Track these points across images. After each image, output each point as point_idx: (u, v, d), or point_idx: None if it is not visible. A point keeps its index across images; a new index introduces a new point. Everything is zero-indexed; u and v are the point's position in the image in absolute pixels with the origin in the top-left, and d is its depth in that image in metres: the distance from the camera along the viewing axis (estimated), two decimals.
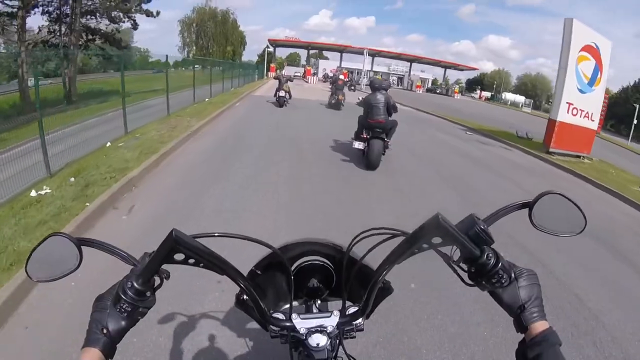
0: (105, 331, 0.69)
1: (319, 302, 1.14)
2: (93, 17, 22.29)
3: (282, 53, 74.69)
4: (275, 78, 17.90)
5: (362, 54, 55.81)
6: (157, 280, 0.77)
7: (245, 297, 0.93)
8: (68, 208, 4.35)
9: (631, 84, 56.95)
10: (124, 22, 23.88)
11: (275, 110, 15.71)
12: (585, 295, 3.81)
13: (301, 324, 0.91)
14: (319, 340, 0.88)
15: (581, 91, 12.31)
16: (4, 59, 14.48)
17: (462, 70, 70.46)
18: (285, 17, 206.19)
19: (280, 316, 0.93)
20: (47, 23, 21.11)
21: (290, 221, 4.76)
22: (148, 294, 0.74)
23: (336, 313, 0.94)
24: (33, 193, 4.76)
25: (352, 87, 35.44)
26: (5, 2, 17.41)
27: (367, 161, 7.28)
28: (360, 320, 0.95)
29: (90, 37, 22.43)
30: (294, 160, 7.80)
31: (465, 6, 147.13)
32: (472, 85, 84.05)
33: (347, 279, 0.95)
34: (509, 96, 70.20)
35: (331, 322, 0.92)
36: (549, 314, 0.77)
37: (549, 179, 9.77)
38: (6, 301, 2.71)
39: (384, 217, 5.23)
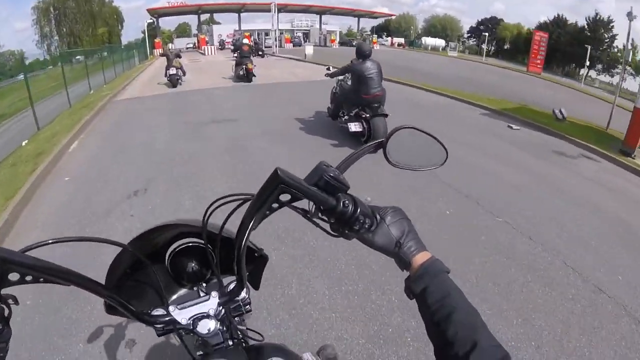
0: None
1: (204, 285, 1.05)
2: None
3: (168, 25, 63.65)
4: (162, 55, 16.19)
5: (265, 11, 47.66)
6: (6, 310, 0.65)
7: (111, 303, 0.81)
8: None
9: None
10: None
11: (168, 99, 11.58)
12: None
13: (181, 314, 0.83)
14: (207, 325, 0.82)
15: None
16: None
17: (377, 18, 64.92)
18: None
19: (160, 312, 0.84)
20: None
21: None
22: (0, 326, 0.63)
23: (214, 294, 0.87)
24: None
25: (260, 53, 29.19)
26: None
27: None
28: (243, 294, 0.91)
29: None
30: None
31: None
32: (379, 32, 78.52)
33: (214, 255, 0.89)
34: (429, 41, 65.76)
35: (211, 304, 0.85)
36: None
37: None
38: None
39: None
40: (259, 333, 0.95)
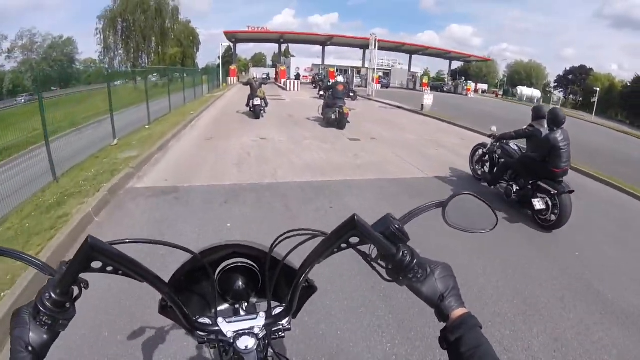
0: (29, 348, 0.66)
1: (245, 304, 1.10)
2: None
3: (243, 53, 60.65)
4: (245, 83, 14.13)
5: (353, 46, 42.27)
6: (76, 291, 0.73)
7: (169, 303, 0.87)
8: None
9: None
10: None
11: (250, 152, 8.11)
12: None
13: (228, 327, 0.90)
14: (247, 342, 0.87)
15: None
16: None
17: (472, 62, 57.90)
18: (246, 18, 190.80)
19: (207, 321, 0.91)
20: None
21: None
22: (67, 305, 0.71)
23: (262, 314, 0.94)
24: None
25: (352, 94, 22.20)
26: None
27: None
28: (286, 320, 0.95)
29: None
30: None
31: None
32: (457, 77, 70.94)
33: (271, 280, 0.95)
34: (525, 91, 57.57)
35: (258, 323, 0.92)
36: None
37: None
38: None
39: None
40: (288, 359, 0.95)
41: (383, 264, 0.78)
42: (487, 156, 6.64)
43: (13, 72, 37.58)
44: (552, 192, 5.15)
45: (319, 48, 44.27)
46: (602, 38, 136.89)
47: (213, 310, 0.98)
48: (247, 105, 13.50)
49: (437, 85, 48.36)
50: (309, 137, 10.28)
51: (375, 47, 26.37)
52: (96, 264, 0.66)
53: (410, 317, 2.94)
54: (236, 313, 1.07)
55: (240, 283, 1.09)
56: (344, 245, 0.73)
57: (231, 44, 42.11)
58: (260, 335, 0.91)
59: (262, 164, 7.23)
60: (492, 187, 6.29)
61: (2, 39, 37.58)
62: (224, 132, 10.45)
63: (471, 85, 48.47)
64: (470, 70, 76.11)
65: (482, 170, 6.87)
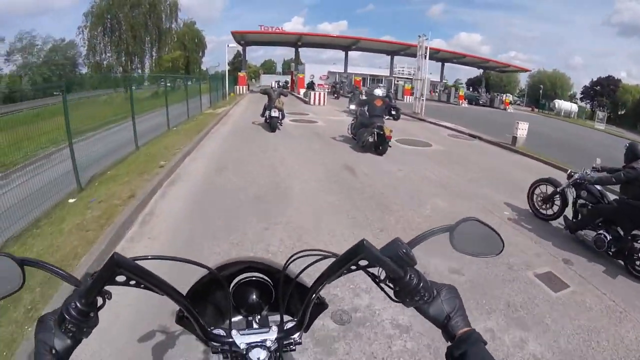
0: (53, 351, 0.70)
1: (258, 317, 1.12)
2: None
3: (254, 60, 54.92)
4: (262, 92, 12.74)
5: (380, 51, 36.60)
6: (100, 301, 0.77)
7: (185, 314, 0.90)
8: None
9: None
10: None
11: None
12: None
13: (241, 339, 0.92)
14: (259, 354, 0.90)
15: None
16: None
17: (511, 72, 51.92)
18: (256, 27, 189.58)
19: (221, 332, 0.94)
20: None
21: None
22: (91, 314, 0.75)
23: (274, 328, 0.96)
24: None
25: (394, 111, 17.30)
26: None
27: None
28: (298, 334, 0.97)
29: None
30: None
31: (435, 6, 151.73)
32: (475, 86, 64.32)
33: (284, 296, 0.99)
34: (563, 105, 51.35)
35: (270, 336, 0.94)
36: None
37: None
38: None
39: None
40: None
41: (391, 285, 0.80)
42: (557, 196, 5.63)
43: (10, 76, 33.96)
44: None
45: (329, 54, 38.32)
46: (610, 46, 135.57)
47: (227, 322, 0.99)
48: (263, 115, 12.55)
49: (471, 97, 42.33)
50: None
51: (424, 53, 20.32)
52: (120, 278, 0.71)
53: None
54: (249, 325, 1.08)
55: (254, 296, 1.12)
56: (353, 267, 0.77)
57: (239, 48, 36.20)
58: (272, 348, 0.92)
59: None
60: (573, 233, 5.23)
61: None
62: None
63: (509, 98, 42.50)
64: (490, 79, 70.34)
65: (550, 211, 5.80)
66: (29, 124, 5.16)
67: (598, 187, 5.10)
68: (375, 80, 38.10)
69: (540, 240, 4.98)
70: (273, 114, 11.47)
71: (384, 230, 4.76)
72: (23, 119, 5.47)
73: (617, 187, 5.09)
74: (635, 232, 4.53)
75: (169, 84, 15.56)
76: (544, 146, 12.79)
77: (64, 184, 5.31)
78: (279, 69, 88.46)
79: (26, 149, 4.99)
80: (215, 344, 0.92)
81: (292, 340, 0.98)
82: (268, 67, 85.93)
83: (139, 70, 32.71)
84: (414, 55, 42.97)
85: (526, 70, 52.41)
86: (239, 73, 32.34)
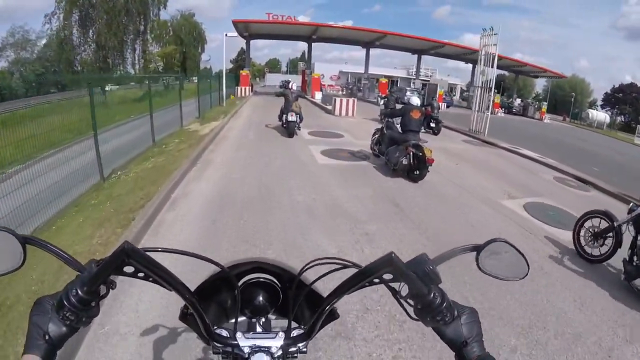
0: (46, 337, 0.67)
1: (262, 320, 1.09)
2: None
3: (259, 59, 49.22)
4: (279, 94, 11.73)
5: (406, 49, 31.20)
6: (103, 290, 0.73)
7: (190, 311, 0.89)
8: None
9: None
10: None
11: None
12: None
13: (245, 342, 0.89)
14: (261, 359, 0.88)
15: None
16: None
17: (547, 77, 46.36)
18: (261, 25, 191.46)
19: (224, 333, 0.91)
20: None
21: None
22: (93, 303, 0.71)
23: (281, 334, 0.92)
24: None
25: (434, 124, 14.00)
26: None
27: None
28: (303, 343, 0.94)
29: None
30: None
31: (441, 7, 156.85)
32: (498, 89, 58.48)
33: (295, 302, 0.96)
34: (599, 116, 46.72)
35: (276, 343, 0.90)
36: None
37: None
38: None
39: None
40: None
41: (412, 302, 0.78)
42: (612, 232, 4.47)
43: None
44: None
45: (334, 54, 32.40)
46: (616, 49, 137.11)
47: (231, 322, 0.97)
48: (280, 119, 11.39)
49: (501, 104, 36.63)
50: None
51: (491, 53, 14.59)
52: (128, 269, 0.68)
53: None
54: (252, 327, 1.06)
55: (261, 298, 1.08)
56: (376, 280, 0.74)
57: (242, 41, 30.55)
58: (276, 355, 0.89)
59: None
60: (629, 282, 4.19)
61: None
62: None
63: (544, 106, 36.83)
64: (506, 82, 64.71)
65: (599, 250, 4.76)
66: None
67: None
68: (391, 82, 32.42)
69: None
70: (290, 118, 10.66)
71: None
72: None
73: None
74: None
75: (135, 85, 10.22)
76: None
77: None
78: (284, 68, 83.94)
79: None
80: (217, 344, 0.89)
81: (297, 348, 0.93)
82: (272, 66, 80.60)
83: (120, 67, 26.82)
84: (446, 56, 37.81)
85: (562, 77, 46.48)
86: (241, 71, 26.77)
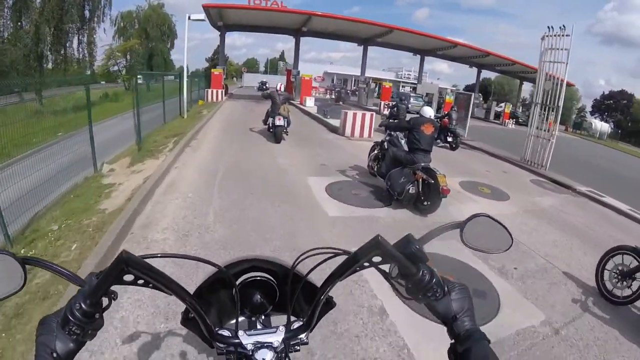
0: (54, 355, 0.67)
1: (262, 317, 1.12)
2: None
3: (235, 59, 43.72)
4: (265, 96, 10.56)
5: (408, 48, 26.88)
6: (105, 301, 0.74)
7: (191, 315, 0.90)
8: None
9: None
10: None
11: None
12: None
13: (247, 340, 0.90)
14: (265, 355, 0.88)
15: None
16: None
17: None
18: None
19: (226, 333, 0.92)
20: None
21: None
22: (96, 315, 0.72)
23: (281, 328, 0.94)
24: None
25: (452, 138, 11.88)
26: None
27: None
28: (304, 334, 0.96)
29: None
30: None
31: (420, 9, 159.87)
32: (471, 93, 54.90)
33: (291, 296, 0.98)
34: (604, 127, 44.34)
35: (277, 337, 0.92)
36: None
37: None
38: None
39: None
40: None
41: (403, 282, 0.79)
42: None
43: None
44: None
45: (311, 55, 27.16)
46: (592, 54, 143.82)
47: (231, 322, 0.99)
48: (265, 122, 10.37)
49: (512, 115, 32.45)
50: None
51: (566, 50, 9.97)
52: (128, 277, 0.68)
53: None
54: (252, 325, 1.07)
55: (259, 296, 1.10)
56: (366, 264, 0.75)
57: (217, 32, 25.06)
58: (279, 349, 0.91)
59: None
60: None
61: None
62: None
63: (551, 118, 32.79)
64: (493, 87, 61.38)
65: (627, 290, 4.27)
66: None
67: None
68: (439, 91, 27.62)
69: None
70: (277, 122, 9.75)
71: None
72: None
73: None
74: None
75: None
76: None
77: None
78: (262, 68, 79.17)
79: None
80: (220, 345, 0.90)
81: (299, 340, 0.95)
82: (250, 66, 75.52)
83: (62, 66, 20.75)
84: (453, 58, 33.32)
85: (570, 85, 42.78)
86: (213, 70, 21.27)
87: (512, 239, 0.92)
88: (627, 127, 52.89)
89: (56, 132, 5.74)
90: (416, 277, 0.76)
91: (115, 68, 35.21)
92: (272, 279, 1.10)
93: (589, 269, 4.26)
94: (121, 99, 22.35)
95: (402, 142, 6.24)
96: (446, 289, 0.79)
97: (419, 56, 31.07)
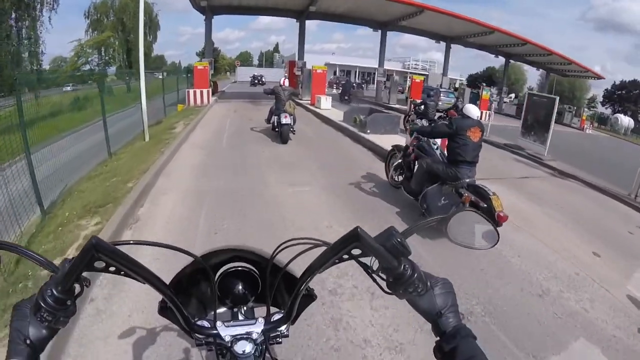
0: (28, 341, 0.66)
1: (244, 308, 1.09)
2: None
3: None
4: (268, 93, 9.65)
5: (433, 35, 22.68)
6: (78, 288, 0.73)
7: (168, 305, 0.87)
8: None
9: None
10: None
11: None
12: None
13: (226, 331, 0.89)
14: (244, 347, 0.87)
15: None
16: None
17: (588, 77, 38.21)
18: (230, 19, 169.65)
19: (205, 324, 0.90)
20: None
21: None
22: (69, 302, 0.71)
23: (261, 320, 0.93)
24: None
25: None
26: None
27: None
28: (285, 326, 0.95)
29: None
30: None
31: None
32: (477, 83, 48.35)
33: (271, 286, 0.97)
34: (627, 121, 39.22)
35: (256, 328, 0.91)
36: None
37: None
38: None
39: None
40: None
41: (384, 276, 0.78)
42: None
43: None
44: None
45: (305, 46, 22.28)
46: (586, 40, 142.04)
47: (211, 313, 0.97)
48: (269, 121, 9.81)
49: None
50: None
51: None
52: (99, 264, 0.67)
53: None
54: (234, 317, 1.05)
55: (240, 287, 1.07)
56: (345, 257, 0.73)
57: (202, 17, 20.19)
58: (258, 340, 0.90)
59: None
60: None
61: None
62: None
63: (584, 113, 28.53)
64: (495, 76, 56.63)
65: None
66: None
67: None
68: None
69: None
70: (284, 121, 8.89)
71: None
72: None
73: None
74: None
75: None
76: None
77: None
78: (256, 61, 74.92)
79: None
80: (199, 336, 0.89)
81: (279, 333, 0.94)
82: (244, 60, 70.94)
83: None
84: (482, 47, 28.76)
85: (600, 77, 38.03)
86: (196, 64, 16.35)
87: (499, 235, 0.90)
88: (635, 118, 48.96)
89: None
90: (397, 271, 0.73)
91: (87, 67, 30.31)
92: (254, 269, 1.05)
93: None
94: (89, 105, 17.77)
95: (435, 148, 5.21)
96: (429, 284, 0.77)
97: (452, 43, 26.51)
